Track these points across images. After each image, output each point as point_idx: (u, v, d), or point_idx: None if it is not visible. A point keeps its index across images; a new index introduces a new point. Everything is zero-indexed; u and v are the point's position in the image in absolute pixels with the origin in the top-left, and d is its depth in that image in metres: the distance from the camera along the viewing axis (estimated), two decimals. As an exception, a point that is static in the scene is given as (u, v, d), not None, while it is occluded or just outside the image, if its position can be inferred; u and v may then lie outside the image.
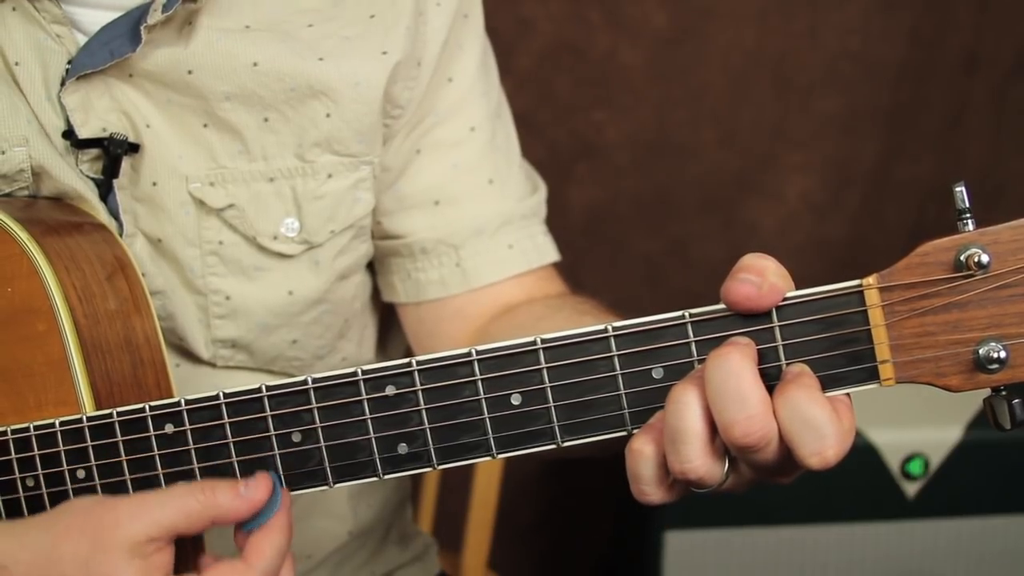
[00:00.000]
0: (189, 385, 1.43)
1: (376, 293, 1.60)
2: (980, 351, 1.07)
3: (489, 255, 1.54)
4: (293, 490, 1.17)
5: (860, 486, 2.55)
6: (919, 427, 2.55)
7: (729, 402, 1.04)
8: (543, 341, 1.11)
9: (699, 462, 1.07)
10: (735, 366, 1.05)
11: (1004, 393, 1.08)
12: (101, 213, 1.38)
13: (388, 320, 1.63)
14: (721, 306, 1.09)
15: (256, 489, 1.14)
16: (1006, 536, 2.59)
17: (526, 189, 1.58)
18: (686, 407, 1.06)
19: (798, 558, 2.59)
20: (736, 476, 1.10)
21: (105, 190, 1.38)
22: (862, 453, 2.52)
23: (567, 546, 3.23)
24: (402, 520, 1.74)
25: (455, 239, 1.53)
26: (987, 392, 1.09)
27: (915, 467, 2.54)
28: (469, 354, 1.12)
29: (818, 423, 1.04)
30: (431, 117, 1.51)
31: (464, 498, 2.29)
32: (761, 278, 1.07)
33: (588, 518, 3.17)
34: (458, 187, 1.53)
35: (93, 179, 1.37)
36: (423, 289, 1.55)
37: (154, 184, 1.40)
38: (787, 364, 1.08)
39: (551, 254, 1.58)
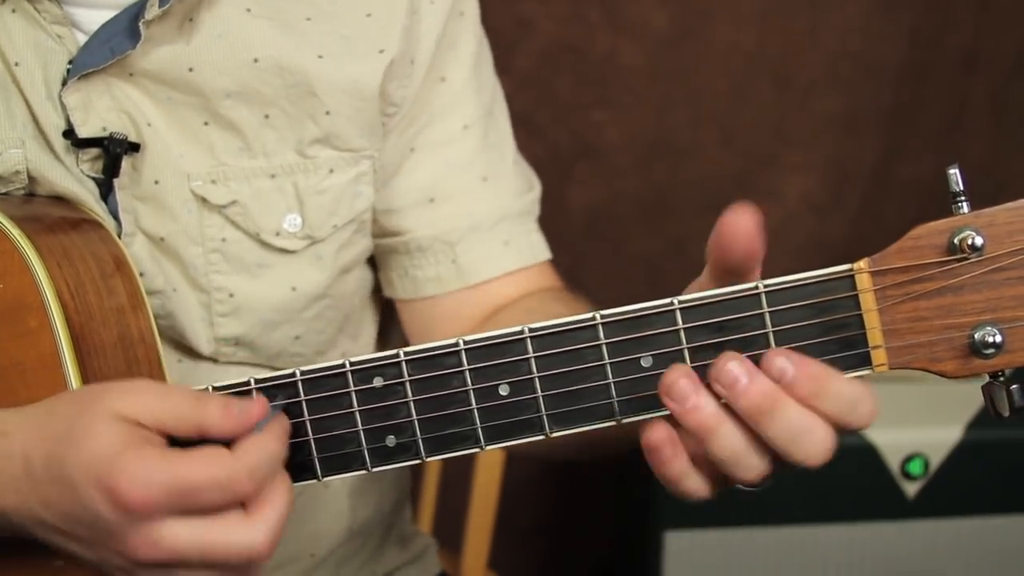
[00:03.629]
0: (190, 380, 1.42)
1: (377, 289, 1.60)
2: (975, 335, 1.06)
3: (484, 251, 1.54)
4: None
5: (860, 486, 2.55)
6: (919, 427, 2.54)
7: (802, 443, 1.06)
8: (531, 330, 1.10)
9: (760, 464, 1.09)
10: (789, 412, 1.06)
11: (1002, 379, 1.08)
12: (99, 213, 1.37)
13: (388, 316, 1.63)
14: (710, 292, 1.09)
15: (245, 412, 1.13)
16: (1006, 536, 2.59)
17: (521, 186, 1.58)
18: (728, 436, 1.07)
19: (798, 558, 2.59)
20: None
21: (105, 190, 1.38)
22: (862, 453, 2.52)
23: (567, 546, 3.23)
24: (401, 520, 1.74)
25: (451, 236, 1.53)
26: (986, 381, 1.09)
27: (915, 467, 2.53)
28: (456, 344, 1.12)
29: (860, 394, 1.06)
30: (424, 116, 1.51)
31: (464, 498, 2.29)
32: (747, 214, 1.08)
33: (588, 518, 3.17)
34: (452, 185, 1.53)
35: (94, 178, 1.37)
36: (420, 286, 1.55)
37: (156, 183, 1.39)
38: (770, 353, 1.07)
39: (544, 251, 1.58)
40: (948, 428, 2.54)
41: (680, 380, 1.07)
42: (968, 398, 2.43)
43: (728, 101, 3.03)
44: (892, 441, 2.53)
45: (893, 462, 2.54)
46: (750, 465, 1.08)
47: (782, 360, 1.06)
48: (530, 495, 3.12)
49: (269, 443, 1.12)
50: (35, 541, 1.16)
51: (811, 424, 1.06)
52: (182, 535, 1.09)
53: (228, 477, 1.09)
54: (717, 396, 1.07)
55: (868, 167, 3.07)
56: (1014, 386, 1.06)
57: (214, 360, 1.47)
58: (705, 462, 1.09)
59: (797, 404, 1.06)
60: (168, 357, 1.38)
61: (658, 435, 1.09)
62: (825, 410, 1.06)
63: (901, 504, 2.56)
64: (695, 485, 1.10)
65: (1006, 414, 1.07)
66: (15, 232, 1.26)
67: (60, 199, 1.37)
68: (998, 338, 1.06)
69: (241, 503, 1.12)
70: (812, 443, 1.06)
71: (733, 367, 1.06)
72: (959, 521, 2.58)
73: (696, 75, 3.01)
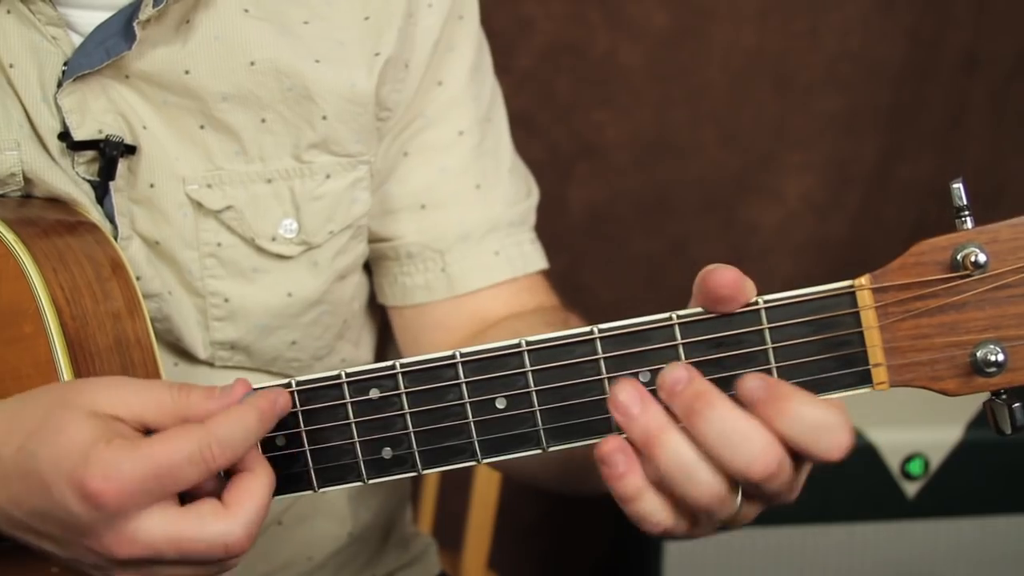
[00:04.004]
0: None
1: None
2: (977, 354, 1.05)
3: (474, 261, 1.53)
4: (277, 495, 1.14)
5: (860, 486, 2.55)
6: (919, 427, 2.54)
7: (738, 448, 1.03)
8: (528, 343, 1.10)
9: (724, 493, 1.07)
10: (721, 411, 1.04)
11: (1004, 397, 1.07)
12: (96, 216, 1.36)
13: (388, 323, 1.62)
14: None
15: (229, 394, 1.12)
16: (1006, 536, 2.59)
17: (516, 195, 1.57)
18: (693, 466, 1.05)
19: (798, 558, 2.59)
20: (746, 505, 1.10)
21: (101, 192, 1.37)
22: (862, 453, 2.52)
23: (567, 546, 3.23)
24: (401, 521, 1.73)
25: (441, 244, 1.52)
26: (987, 395, 1.08)
27: (915, 467, 2.53)
28: (453, 356, 1.11)
29: (827, 422, 1.03)
30: (419, 120, 1.50)
31: (464, 498, 2.29)
32: (730, 267, 1.07)
33: (588, 518, 3.17)
34: (445, 191, 1.52)
35: (89, 181, 1.36)
36: (409, 293, 1.54)
37: (151, 186, 1.39)
38: (746, 375, 1.06)
39: (537, 262, 1.57)
40: (948, 428, 2.55)
41: (625, 390, 1.06)
42: (968, 398, 2.42)
43: (728, 101, 3.02)
44: (892, 441, 2.53)
45: (893, 462, 2.54)
46: (700, 480, 1.05)
47: (754, 381, 1.05)
48: (530, 495, 3.11)
49: (244, 414, 1.10)
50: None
51: (746, 427, 1.04)
52: (156, 528, 1.08)
53: (199, 449, 1.07)
54: (665, 409, 1.06)
55: (868, 167, 3.07)
56: (1016, 404, 1.05)
57: (210, 364, 1.46)
58: (663, 486, 1.08)
59: (733, 406, 1.05)
60: (165, 361, 1.37)
61: (610, 444, 1.07)
62: (782, 431, 1.04)
63: (901, 504, 2.56)
64: (651, 506, 1.08)
65: (1008, 432, 1.06)
66: (10, 236, 1.26)
67: (57, 201, 1.36)
68: (1000, 356, 1.04)
69: (218, 495, 1.11)
70: (748, 448, 1.04)
71: (673, 370, 1.06)
72: (959, 521, 2.58)
73: (696, 75, 3.01)
